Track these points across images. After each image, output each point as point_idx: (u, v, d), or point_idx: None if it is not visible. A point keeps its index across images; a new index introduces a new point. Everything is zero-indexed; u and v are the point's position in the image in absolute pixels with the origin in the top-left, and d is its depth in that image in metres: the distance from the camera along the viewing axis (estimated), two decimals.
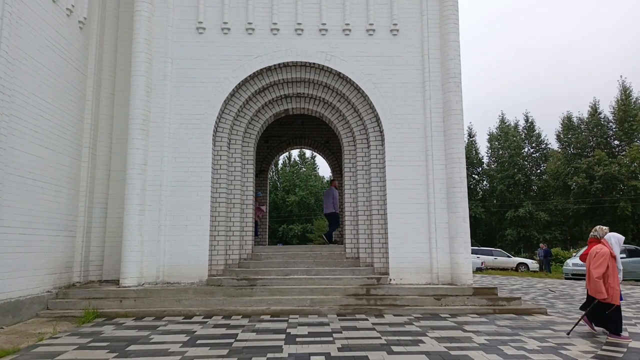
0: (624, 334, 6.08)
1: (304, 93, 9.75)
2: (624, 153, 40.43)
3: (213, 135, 9.10)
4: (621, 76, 72.71)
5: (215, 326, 6.60)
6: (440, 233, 8.97)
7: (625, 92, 43.14)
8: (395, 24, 9.49)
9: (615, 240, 6.43)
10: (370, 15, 9.49)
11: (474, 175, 48.20)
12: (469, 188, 44.53)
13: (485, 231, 45.12)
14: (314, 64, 9.37)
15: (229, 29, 9.31)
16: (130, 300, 7.83)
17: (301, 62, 9.34)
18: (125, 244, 8.40)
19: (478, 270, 23.25)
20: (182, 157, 8.93)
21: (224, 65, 9.20)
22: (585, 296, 6.93)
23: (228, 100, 9.32)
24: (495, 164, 47.26)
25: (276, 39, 9.35)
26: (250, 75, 9.27)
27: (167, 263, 8.63)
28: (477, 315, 7.58)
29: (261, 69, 9.28)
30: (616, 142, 43.19)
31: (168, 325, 6.65)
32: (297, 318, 7.20)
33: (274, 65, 9.30)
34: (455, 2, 9.48)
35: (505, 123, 48.36)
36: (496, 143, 47.81)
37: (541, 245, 27.54)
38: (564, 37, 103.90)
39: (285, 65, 9.41)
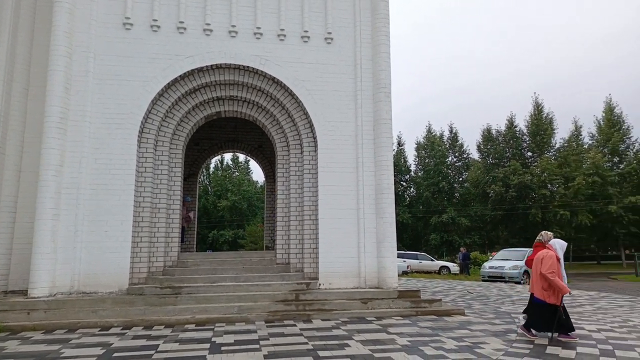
0: (571, 334, 6.27)
1: (237, 96, 9.61)
2: (535, 164, 44.09)
3: (138, 136, 8.68)
4: (535, 93, 79.18)
5: (135, 337, 6.27)
6: (369, 238, 9.21)
7: (538, 107, 47.11)
8: (329, 33, 9.66)
9: (559, 245, 6.82)
10: (305, 22, 9.58)
11: (402, 182, 50.17)
12: (397, 194, 46.29)
13: (412, 236, 47.06)
14: (247, 67, 9.27)
15: (158, 27, 8.96)
16: (39, 312, 7.21)
17: (234, 64, 9.20)
18: (35, 251, 7.74)
19: (404, 273, 24.11)
20: (104, 159, 8.42)
21: (153, 64, 8.84)
22: (528, 300, 7.05)
23: (156, 100, 8.95)
24: (422, 172, 49.51)
25: (209, 39, 9.14)
26: (180, 76, 8.98)
27: (83, 271, 8.07)
28: (401, 318, 7.86)
29: (192, 70, 9.03)
30: (529, 153, 47.01)
31: (82, 338, 6.22)
32: (223, 326, 7.03)
33: (206, 66, 9.08)
34: (386, 15, 9.84)
35: (432, 133, 50.90)
36: (423, 152, 50.14)
37: (461, 249, 29.20)
38: (486, 50, 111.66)
39: (218, 67, 9.23)
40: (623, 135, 45.74)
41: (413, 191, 50.23)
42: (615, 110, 46.93)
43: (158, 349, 5.54)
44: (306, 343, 5.82)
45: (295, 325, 7.06)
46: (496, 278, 19.09)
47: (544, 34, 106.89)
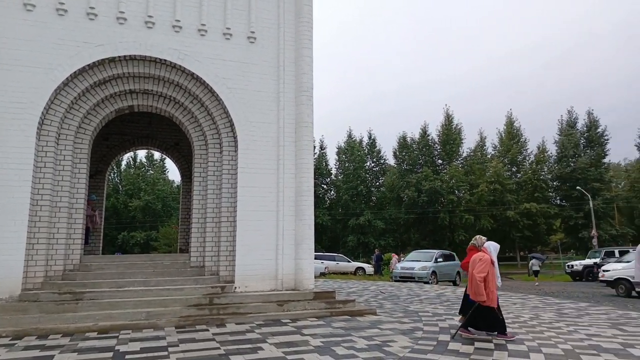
0: (508, 332, 6.60)
1: (152, 90, 9.14)
2: (445, 171, 47.18)
3: (38, 128, 7.92)
4: (446, 104, 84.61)
5: (27, 348, 5.70)
6: (287, 240, 9.22)
7: (448, 118, 50.46)
8: (252, 32, 9.55)
9: (493, 248, 7.02)
10: (228, 19, 9.39)
11: (323, 185, 51.03)
12: (317, 197, 46.99)
13: (331, 237, 48.00)
14: (165, 60, 8.86)
15: (65, 11, 8.25)
16: None
17: (151, 57, 8.75)
18: None
19: (322, 275, 24.48)
20: None
21: (58, 50, 8.11)
22: (462, 301, 7.40)
23: (60, 90, 8.23)
24: (342, 176, 50.76)
25: (123, 29, 8.60)
26: (89, 65, 8.34)
27: None
28: (316, 319, 7.96)
29: (103, 59, 8.43)
30: (440, 161, 50.20)
31: None
32: (129, 333, 6.63)
33: (119, 57, 8.53)
34: (310, 20, 9.96)
35: (352, 138, 52.40)
36: (343, 156, 51.47)
37: (376, 250, 30.34)
38: (402, 58, 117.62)
39: (132, 58, 8.71)
40: (521, 147, 50.51)
41: (333, 194, 51.34)
42: (515, 124, 51.64)
43: None
44: (218, 348, 5.68)
45: (207, 330, 6.86)
46: (407, 278, 20.09)
47: (455, 45, 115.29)
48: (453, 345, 5.99)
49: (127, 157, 56.96)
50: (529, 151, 50.60)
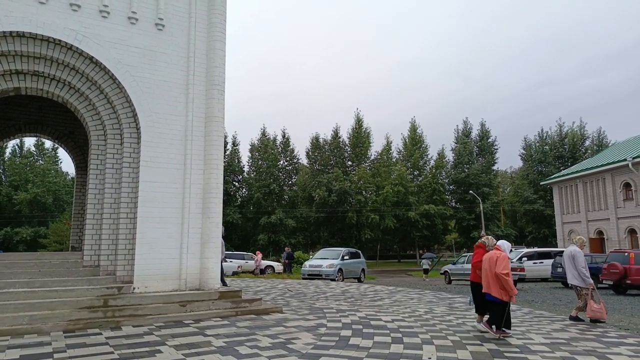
0: (508, 331, 6.72)
1: (44, 72, 8.26)
2: (354, 172, 48.89)
3: None
4: (357, 108, 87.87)
5: None
6: (193, 238, 8.90)
7: (359, 122, 52.39)
8: (161, 19, 9.06)
9: (507, 246, 7.11)
10: (134, 2, 8.80)
11: (234, 183, 50.19)
12: (229, 195, 46.11)
13: (241, 236, 47.36)
14: (60, 41, 8.06)
15: None
16: None
17: (43, 35, 7.90)
18: None
19: (234, 274, 24.05)
20: None
21: None
22: (473, 298, 7.46)
23: None
24: (255, 173, 50.33)
25: (9, 1, 7.67)
26: None
27: None
28: (220, 319, 7.79)
29: None
30: (349, 162, 51.93)
31: None
32: (8, 340, 5.95)
33: (4, 32, 7.60)
34: (223, 12, 9.71)
35: (266, 136, 52.18)
36: (257, 154, 51.05)
37: (286, 248, 30.50)
38: (320, 60, 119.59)
39: (20, 35, 7.81)
40: (422, 153, 53.99)
41: (245, 192, 50.67)
42: (417, 130, 55.05)
43: None
44: (111, 352, 5.31)
45: (101, 334, 6.39)
46: (315, 276, 20.46)
47: (365, 53, 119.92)
48: (354, 340, 6.22)
49: (12, 144, 51.11)
50: (429, 156, 54.34)
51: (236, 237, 45.90)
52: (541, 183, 38.29)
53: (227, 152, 49.06)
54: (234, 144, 51.10)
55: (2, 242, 42.23)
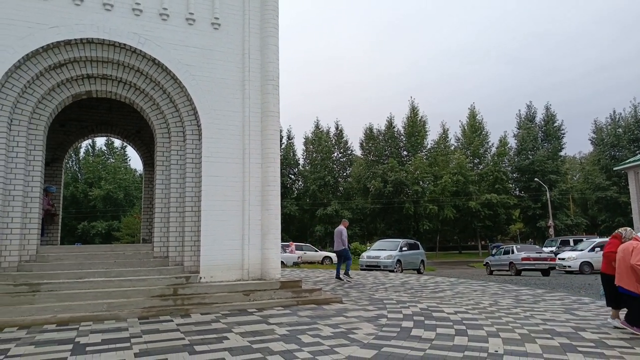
0: None
1: (112, 75, 8.79)
2: (410, 162, 47.99)
3: None
4: (411, 97, 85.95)
5: None
6: (253, 230, 9.15)
7: (414, 110, 51.22)
8: (217, 18, 9.32)
9: None
10: (191, 4, 9.12)
11: (290, 175, 50.95)
12: (285, 187, 46.91)
13: (298, 227, 48.10)
14: (125, 45, 8.53)
15: None
16: None
17: (109, 41, 8.40)
18: None
19: (295, 264, 24.60)
20: None
21: (7, 31, 7.65)
22: (605, 292, 6.95)
23: (11, 73, 7.79)
24: (309, 166, 50.80)
25: (79, 10, 8.21)
26: (43, 47, 7.93)
27: None
28: (282, 308, 7.97)
29: (58, 42, 8.02)
30: (405, 152, 51.01)
31: None
32: (90, 325, 6.44)
33: (75, 39, 8.15)
34: (275, 7, 9.82)
35: (320, 129, 52.43)
36: (311, 147, 51.47)
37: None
38: (364, 51, 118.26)
39: (90, 41, 8.34)
40: (483, 140, 51.94)
41: (301, 184, 51.34)
42: (477, 117, 52.99)
43: (8, 354, 4.87)
44: (182, 338, 5.60)
45: (172, 321, 6.75)
46: (373, 267, 20.39)
47: (414, 36, 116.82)
48: (416, 332, 6.14)
49: (85, 144, 54.94)
50: (490, 144, 52.19)
51: (294, 229, 46.71)
52: (615, 168, 35.63)
53: (283, 146, 49.89)
54: (289, 137, 51.85)
55: (80, 235, 45.70)
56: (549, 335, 5.97)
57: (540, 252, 20.80)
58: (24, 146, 7.99)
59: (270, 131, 9.44)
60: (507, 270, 20.93)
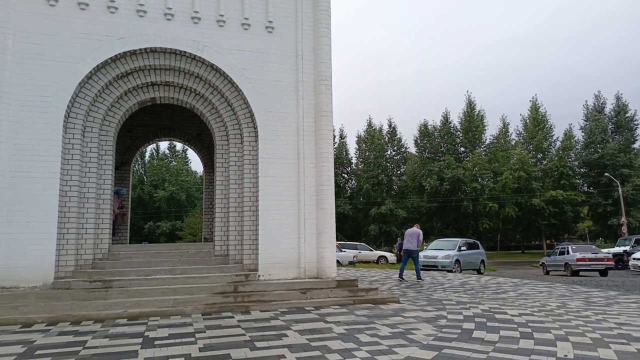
0: None
1: (173, 82, 9.23)
2: (467, 159, 46.44)
3: (64, 121, 8.11)
4: (467, 91, 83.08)
5: (61, 334, 5.91)
6: (309, 229, 9.26)
7: (471, 105, 49.52)
8: (270, 22, 9.52)
9: None
10: (246, 9, 9.38)
11: (343, 175, 50.98)
12: (338, 186, 46.99)
13: (352, 226, 48.01)
14: (185, 52, 8.93)
15: (86, 5, 8.37)
16: None
17: (170, 49, 8.82)
18: None
19: (350, 263, 24.68)
20: (25, 144, 7.78)
21: (81, 44, 8.26)
22: None
23: (84, 83, 8.39)
24: (362, 165, 50.56)
25: (143, 21, 8.69)
26: (111, 58, 8.47)
27: (2, 265, 7.44)
28: (339, 307, 8.00)
29: (125, 52, 8.54)
30: (462, 148, 49.43)
31: (1, 336, 5.76)
32: (157, 320, 6.80)
33: (140, 49, 8.64)
34: (328, 7, 9.86)
35: (372, 127, 52.01)
36: (364, 145, 51.19)
37: (398, 239, 30.18)
38: (411, 44, 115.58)
39: (153, 50, 8.81)
40: (546, 134, 49.29)
41: (354, 183, 51.24)
42: (540, 110, 50.35)
43: (86, 345, 5.25)
44: (243, 334, 5.77)
45: (233, 317, 6.98)
46: (430, 267, 19.97)
47: (466, 31, 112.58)
48: (478, 334, 5.94)
49: (150, 148, 57.91)
50: (554, 137, 49.44)
51: (347, 228, 46.69)
52: None
53: (335, 145, 50.03)
54: (341, 136, 51.89)
55: (147, 235, 48.32)
56: (624, 340, 5.57)
57: (597, 253, 20.29)
58: (96, 151, 8.58)
59: (323, 131, 9.50)
60: (562, 271, 20.67)
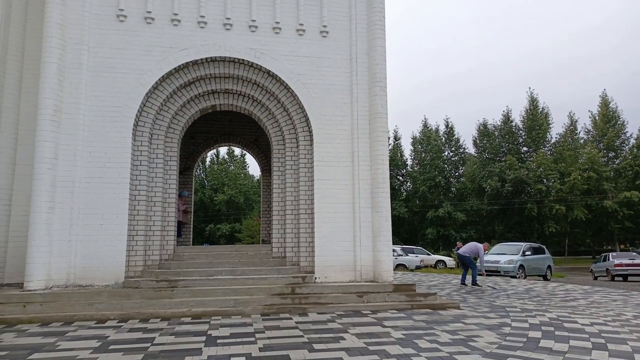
0: None
1: (232, 89, 9.56)
2: (531, 159, 44.23)
3: (133, 130, 8.64)
4: (530, 87, 79.21)
5: (131, 330, 6.28)
6: (364, 232, 9.22)
7: (533, 102, 47.18)
8: (325, 26, 9.61)
9: None
10: (301, 15, 9.53)
11: (398, 177, 50.25)
12: (393, 189, 46.41)
13: (408, 230, 47.18)
14: (243, 60, 9.22)
15: (152, 19, 8.89)
16: (35, 304, 7.20)
17: (229, 57, 9.15)
18: (31, 244, 7.72)
19: (417, 268, 24.62)
20: (98, 152, 8.38)
21: (147, 56, 8.77)
22: None
23: (150, 93, 8.90)
24: (418, 166, 49.58)
25: (203, 32, 9.08)
26: (175, 68, 8.92)
27: (79, 264, 8.06)
28: (396, 311, 7.89)
29: (187, 63, 8.97)
30: (525, 148, 47.15)
31: (78, 331, 6.22)
32: (219, 319, 7.05)
33: (201, 59, 9.03)
34: (382, 8, 9.80)
35: (428, 127, 50.90)
36: (419, 146, 50.20)
37: (458, 243, 29.18)
38: (468, 39, 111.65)
39: (213, 60, 9.18)
40: (618, 131, 45.96)
41: (409, 185, 50.34)
42: (610, 106, 47.05)
43: (154, 342, 5.55)
44: (302, 336, 5.84)
45: (291, 319, 7.08)
46: (492, 272, 19.19)
47: (526, 23, 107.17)
48: (545, 343, 5.64)
49: (210, 153, 60.19)
50: (628, 134, 45.90)
51: (403, 231, 45.93)
52: None
53: (390, 147, 49.43)
54: (396, 138, 51.16)
55: (208, 237, 50.21)
56: None
57: (634, 259, 21.91)
58: (162, 157, 9.05)
59: (378, 133, 9.44)
60: (605, 276, 22.37)
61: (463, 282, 13.50)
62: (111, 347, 5.32)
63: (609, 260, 22.34)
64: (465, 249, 14.08)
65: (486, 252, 14.51)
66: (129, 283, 8.08)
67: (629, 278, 21.35)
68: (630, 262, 21.31)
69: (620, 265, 21.30)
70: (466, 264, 13.79)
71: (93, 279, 8.07)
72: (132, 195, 8.54)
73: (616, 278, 21.50)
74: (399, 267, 24.45)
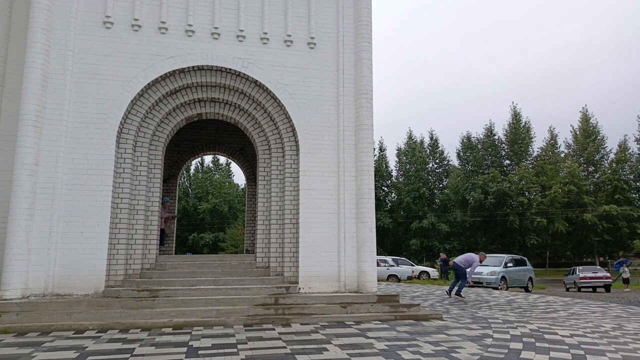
0: None
1: (218, 98, 9.55)
2: (513, 172, 45.00)
3: (117, 137, 8.55)
4: (513, 102, 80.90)
5: (110, 341, 6.15)
6: (349, 242, 9.23)
7: (516, 117, 48.16)
8: (312, 38, 9.69)
9: None
10: (289, 26, 9.60)
11: (383, 188, 50.56)
12: (378, 199, 46.63)
13: (393, 241, 47.37)
14: (230, 69, 9.23)
15: (139, 26, 8.86)
16: (11, 314, 7.02)
17: (217, 66, 9.15)
18: (8, 252, 7.53)
19: (409, 279, 24.84)
20: (81, 159, 8.26)
21: (133, 64, 8.72)
22: None
23: (136, 101, 8.83)
24: (403, 178, 49.98)
25: (191, 41, 9.07)
26: (161, 76, 8.88)
27: (58, 273, 7.88)
28: (379, 322, 7.89)
29: (174, 71, 8.94)
30: (507, 161, 48.00)
31: (55, 341, 6.07)
32: (201, 330, 6.96)
33: (188, 67, 9.01)
34: (369, 22, 9.93)
35: (413, 139, 51.47)
36: (404, 158, 50.69)
37: (441, 254, 29.49)
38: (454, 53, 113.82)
39: (200, 68, 9.17)
40: (598, 146, 47.10)
41: (394, 196, 50.67)
42: (591, 121, 48.23)
43: (134, 353, 5.44)
44: (284, 347, 5.80)
45: (274, 329, 7.03)
46: (475, 283, 19.33)
47: (511, 39, 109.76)
48: (526, 354, 5.70)
49: (195, 162, 59.80)
50: (607, 149, 47.06)
51: (388, 242, 46.09)
52: None
53: (375, 158, 49.77)
54: (381, 149, 51.59)
55: (191, 246, 49.64)
56: None
57: (596, 272, 24.01)
58: (146, 165, 8.96)
59: (364, 144, 9.51)
60: (573, 288, 24.27)
61: (450, 292, 13.46)
62: (89, 357, 5.20)
63: (575, 273, 24.44)
64: (461, 258, 13.80)
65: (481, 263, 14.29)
66: (110, 292, 7.94)
67: (597, 289, 23.44)
68: (593, 275, 23.54)
69: (585, 278, 23.30)
70: (458, 275, 13.65)
71: (72, 288, 7.90)
72: (115, 203, 8.42)
73: (583, 289, 23.60)
74: (390, 277, 24.58)
